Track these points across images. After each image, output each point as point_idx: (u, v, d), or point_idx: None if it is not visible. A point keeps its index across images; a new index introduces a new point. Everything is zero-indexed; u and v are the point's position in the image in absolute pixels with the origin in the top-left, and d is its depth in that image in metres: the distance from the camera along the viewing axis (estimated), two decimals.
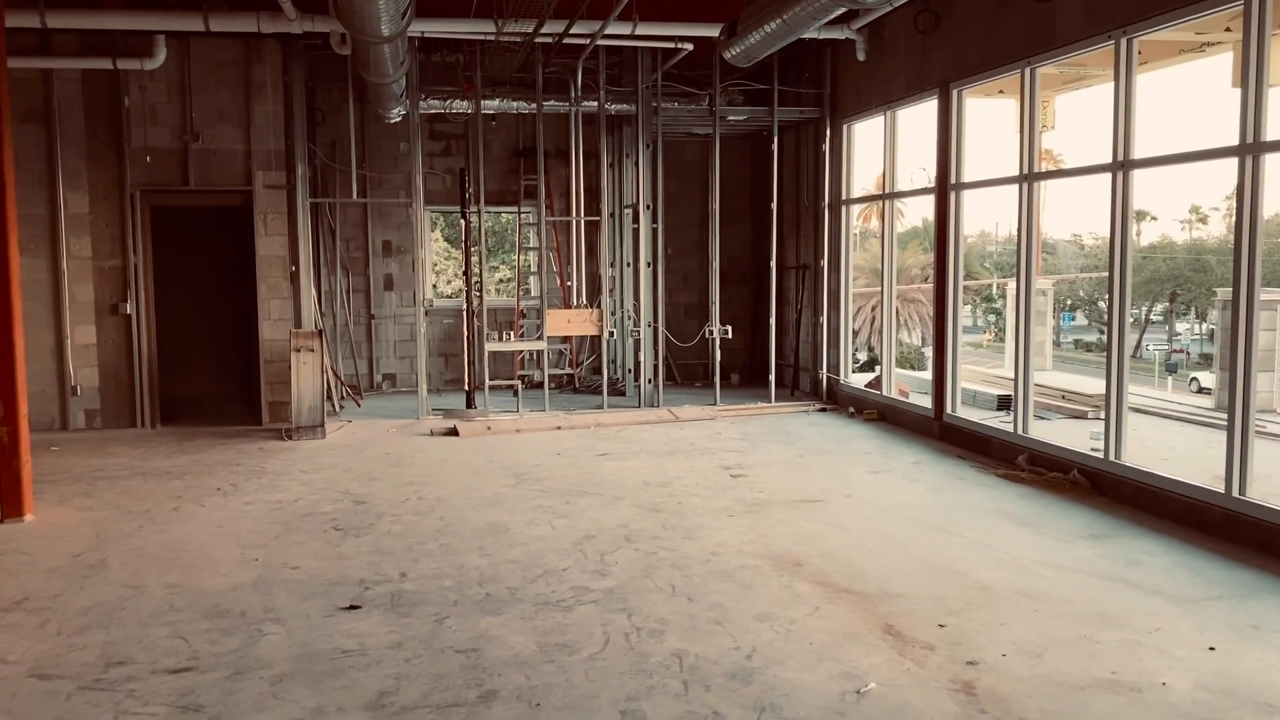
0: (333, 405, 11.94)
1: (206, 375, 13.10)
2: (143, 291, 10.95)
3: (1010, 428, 9.04)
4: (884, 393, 11.36)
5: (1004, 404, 11.49)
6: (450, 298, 18.35)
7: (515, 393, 12.94)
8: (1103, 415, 10.82)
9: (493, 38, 10.18)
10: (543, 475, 8.61)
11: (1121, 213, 7.57)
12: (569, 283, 13.02)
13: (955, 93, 9.74)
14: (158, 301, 11.22)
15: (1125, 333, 7.76)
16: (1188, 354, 47.39)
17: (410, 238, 13.95)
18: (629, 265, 12.69)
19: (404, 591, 5.63)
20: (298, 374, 10.21)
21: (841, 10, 6.94)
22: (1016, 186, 8.83)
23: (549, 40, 10.65)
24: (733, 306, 14.62)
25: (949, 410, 10.00)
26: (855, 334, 33.02)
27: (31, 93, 10.52)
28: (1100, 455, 7.87)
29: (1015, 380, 9.06)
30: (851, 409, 11.73)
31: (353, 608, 5.38)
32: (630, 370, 12.95)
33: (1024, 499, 7.70)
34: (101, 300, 10.87)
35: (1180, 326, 49.68)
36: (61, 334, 10.74)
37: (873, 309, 32.44)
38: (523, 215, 13.79)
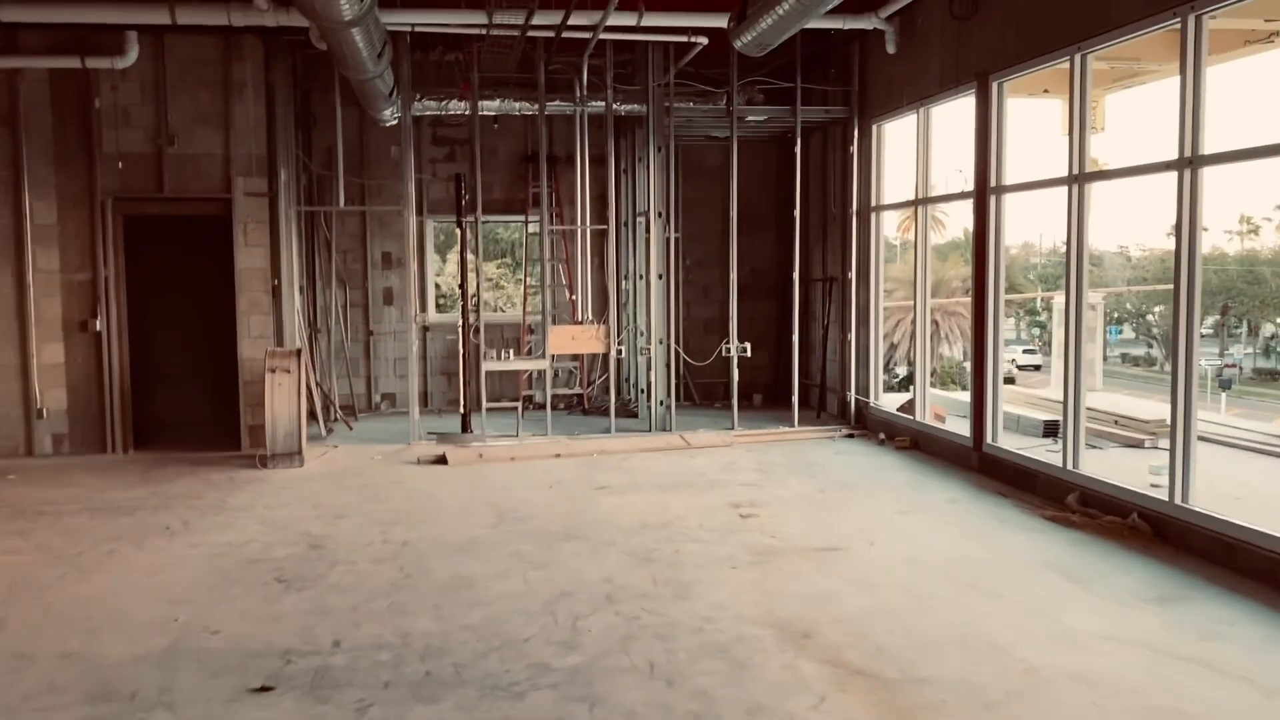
0: (320, 428, 11.13)
1: (190, 396, 12.29)
2: (114, 307, 10.19)
3: (1059, 461, 8.00)
4: (917, 417, 10.33)
5: (1051, 430, 10.40)
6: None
7: (520, 414, 12.10)
8: (1162, 445, 9.79)
9: (483, 31, 9.32)
10: (529, 513, 7.70)
11: (1190, 216, 6.53)
12: (574, 297, 12.13)
13: (995, 85, 8.74)
14: (134, 317, 10.50)
15: (1195, 354, 6.69)
16: (1240, 368, 45.65)
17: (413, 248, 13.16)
18: (642, 278, 11.79)
19: (331, 667, 4.73)
20: (272, 397, 9.38)
21: None
22: (1065, 189, 7.81)
23: (548, 35, 9.80)
24: (756, 321, 13.65)
25: (989, 439, 8.97)
26: (894, 347, 31.95)
27: None
28: (1164, 497, 6.81)
29: (1065, 405, 8.02)
30: (882, 435, 10.71)
31: (264, 689, 4.49)
32: (643, 391, 12.02)
33: (1075, 548, 6.67)
34: (70, 316, 10.13)
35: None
36: (27, 353, 10.01)
37: (912, 321, 31.32)
38: (530, 224, 12.93)
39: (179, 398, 12.46)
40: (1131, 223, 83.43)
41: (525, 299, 13.02)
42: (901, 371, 31.38)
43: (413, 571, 6.25)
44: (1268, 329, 49.11)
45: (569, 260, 12.74)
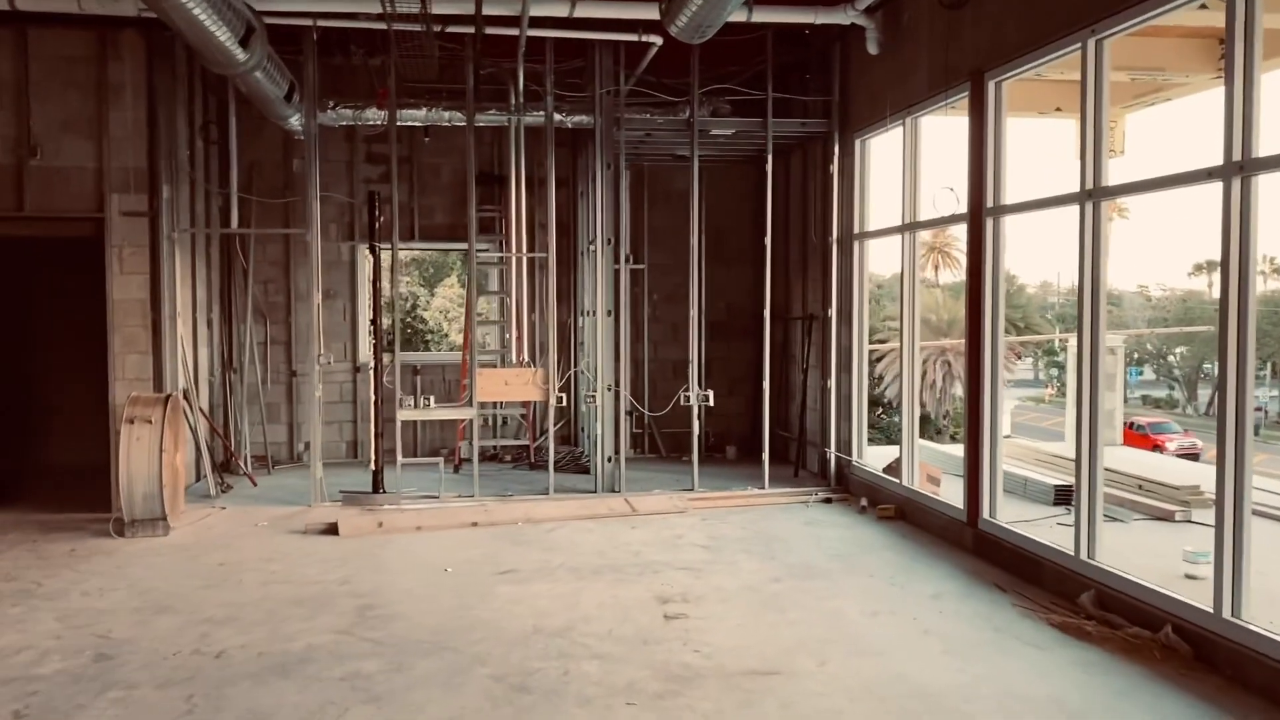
0: (210, 486, 9.58)
1: (85, 440, 10.84)
2: None
3: (1070, 546, 6.37)
4: (903, 481, 8.72)
5: (1064, 498, 8.79)
6: (455, 350, 15.86)
7: (455, 469, 10.61)
8: (1197, 519, 8.18)
9: (384, 25, 7.86)
10: (399, 610, 6.12)
11: (1240, 234, 4.97)
12: (510, 335, 10.66)
13: (992, 85, 7.22)
14: (12, 350, 9.07)
15: (1246, 416, 5.09)
16: (1265, 412, 43.92)
17: (344, 279, 11.72)
18: (594, 314, 10.26)
19: None
20: (128, 453, 7.86)
21: None
22: (1077, 208, 6.26)
23: (468, 29, 8.37)
24: (731, 364, 12.14)
25: (985, 514, 7.37)
26: None
27: None
28: (1208, 606, 5.19)
29: (1078, 476, 6.42)
30: (864, 501, 9.11)
31: None
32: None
33: (1090, 675, 5.05)
34: None
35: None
36: None
37: (924, 362, 29.80)
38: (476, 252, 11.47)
39: (72, 442, 11.03)
40: (1151, 262, 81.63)
41: (467, 336, 11.48)
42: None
43: (202, 702, 4.69)
44: None
45: (516, 294, 11.25)
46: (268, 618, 5.96)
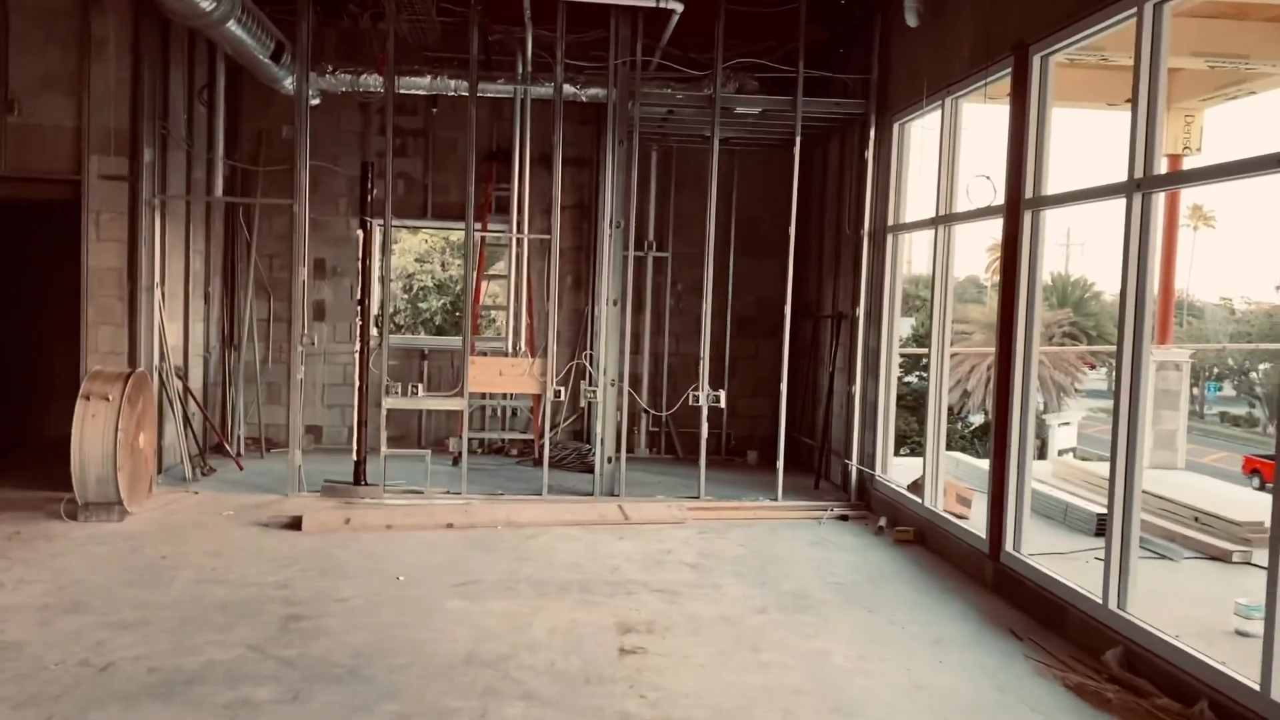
0: (190, 468, 9.08)
1: (62, 416, 10.41)
2: None
3: (1099, 592, 5.50)
4: (925, 502, 7.87)
5: (1105, 528, 7.85)
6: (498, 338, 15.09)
7: (455, 463, 9.98)
8: (1256, 561, 7.23)
9: None
10: (327, 624, 5.48)
11: None
12: (502, 323, 10.01)
13: (1036, 60, 6.33)
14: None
15: None
16: None
17: (352, 255, 11.17)
18: (615, 303, 9.53)
19: None
20: (81, 432, 7.37)
21: None
22: (1124, 200, 5.37)
23: None
24: (759, 363, 11.33)
25: (1009, 546, 6.50)
26: (968, 395, 29.15)
27: None
28: (1253, 683, 4.31)
29: (1111, 513, 5.57)
30: (882, 521, 8.27)
31: None
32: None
33: None
34: None
35: None
36: None
37: (989, 368, 28.58)
38: (487, 233, 10.85)
39: (67, 415, 10.61)
40: (1238, 274, 78.47)
41: (475, 321, 10.84)
42: (977, 421, 28.46)
43: None
44: None
45: (530, 278, 10.60)
46: (181, 625, 5.37)
